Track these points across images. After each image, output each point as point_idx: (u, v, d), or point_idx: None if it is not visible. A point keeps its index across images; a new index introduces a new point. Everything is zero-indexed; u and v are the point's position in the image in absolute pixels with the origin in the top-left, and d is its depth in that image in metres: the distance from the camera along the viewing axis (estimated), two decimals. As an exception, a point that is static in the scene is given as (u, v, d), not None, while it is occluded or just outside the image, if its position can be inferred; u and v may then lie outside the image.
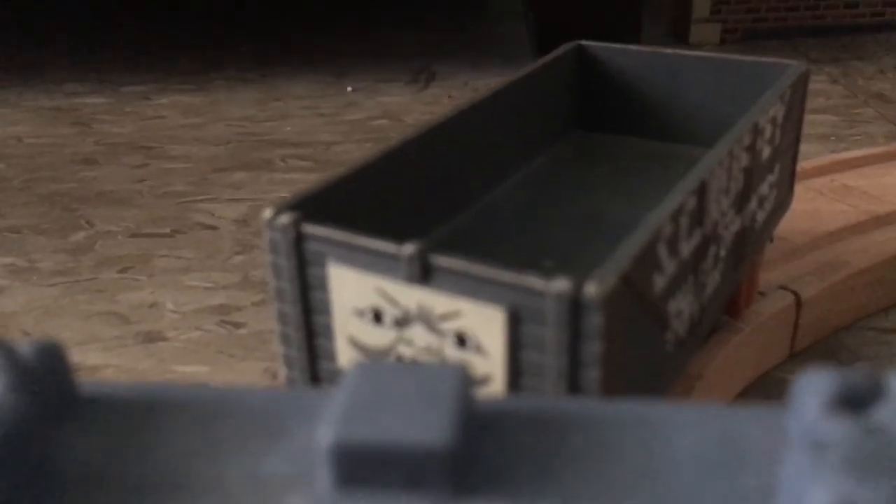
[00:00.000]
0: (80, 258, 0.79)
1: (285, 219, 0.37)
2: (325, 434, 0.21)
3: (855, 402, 0.22)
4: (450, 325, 0.35)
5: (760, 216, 0.51)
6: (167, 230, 0.84)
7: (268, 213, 0.38)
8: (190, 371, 0.63)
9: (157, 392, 0.26)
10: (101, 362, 0.64)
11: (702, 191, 0.39)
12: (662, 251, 0.36)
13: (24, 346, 0.24)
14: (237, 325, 0.68)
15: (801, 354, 0.60)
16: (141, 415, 0.25)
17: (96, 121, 1.16)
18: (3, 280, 0.75)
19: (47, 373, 0.24)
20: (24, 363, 0.24)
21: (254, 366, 0.63)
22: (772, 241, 0.63)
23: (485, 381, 0.35)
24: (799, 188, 0.71)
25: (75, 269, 0.77)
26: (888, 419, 0.21)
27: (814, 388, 0.22)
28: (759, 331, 0.55)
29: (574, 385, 0.32)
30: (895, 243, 0.65)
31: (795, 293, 0.58)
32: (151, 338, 0.67)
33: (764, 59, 0.56)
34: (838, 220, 0.66)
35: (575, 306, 0.31)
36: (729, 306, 0.53)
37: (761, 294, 0.58)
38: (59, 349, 0.25)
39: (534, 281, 0.32)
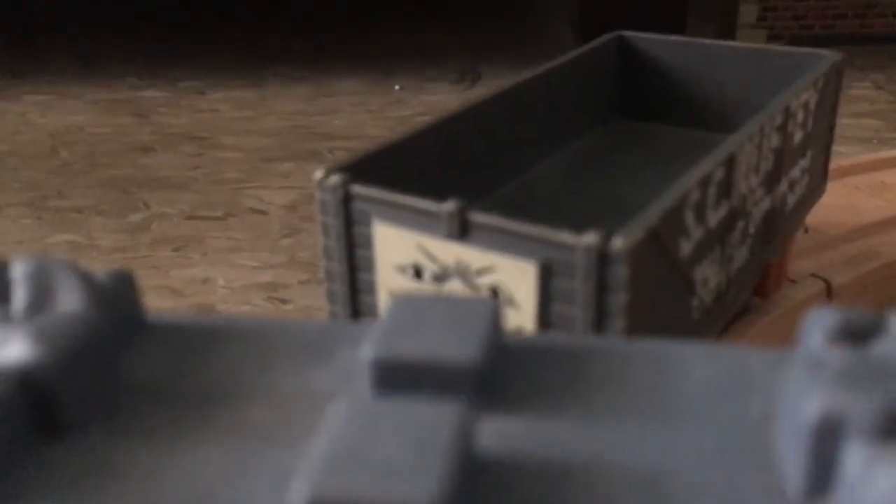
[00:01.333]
0: (138, 237, 0.83)
1: (335, 179, 0.40)
2: (366, 350, 0.23)
3: (857, 336, 0.24)
4: (485, 280, 0.37)
5: (791, 199, 0.52)
6: (219, 213, 0.88)
7: (319, 174, 0.40)
8: (238, 341, 0.66)
9: (217, 322, 0.28)
10: (156, 330, 0.68)
11: (730, 163, 0.41)
12: (689, 216, 0.38)
13: (101, 274, 0.27)
14: (284, 301, 0.71)
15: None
16: (202, 339, 0.28)
17: (154, 112, 1.21)
18: (65, 256, 0.80)
19: (120, 297, 0.27)
20: (101, 287, 0.26)
21: (299, 338, 0.66)
22: (806, 230, 0.64)
23: (517, 333, 0.37)
24: (837, 184, 0.72)
25: (132, 247, 0.81)
26: (884, 349, 0.23)
27: (819, 323, 0.24)
28: (788, 315, 0.56)
29: (601, 336, 0.34)
30: (930, 237, 0.66)
31: (826, 281, 0.59)
32: (203, 310, 0.70)
33: (798, 49, 0.57)
34: (873, 215, 0.67)
35: (603, 258, 0.33)
36: (759, 288, 0.55)
37: (793, 281, 0.59)
38: (132, 278, 0.28)
39: (564, 235, 0.34)
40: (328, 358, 0.27)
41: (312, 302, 0.70)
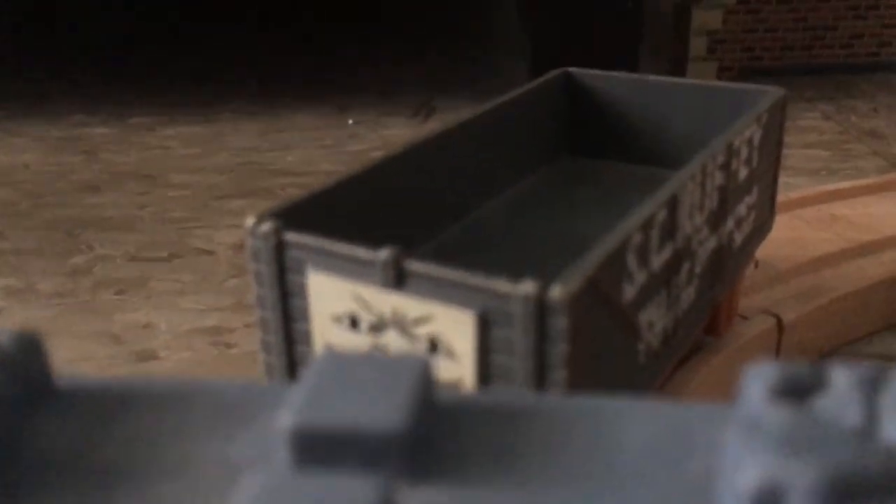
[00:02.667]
0: (79, 280, 0.80)
1: (266, 226, 0.38)
2: (284, 418, 0.22)
3: (798, 392, 0.23)
4: (422, 330, 0.35)
5: (738, 237, 0.51)
6: (165, 254, 0.86)
7: (250, 220, 0.39)
8: (180, 388, 0.64)
9: (130, 384, 0.26)
10: (94, 379, 0.65)
11: (673, 204, 0.40)
12: (632, 260, 0.37)
13: (2, 335, 0.25)
14: (228, 346, 0.69)
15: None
16: (114, 405, 0.26)
17: (102, 150, 1.18)
18: (1, 301, 0.77)
19: (24, 362, 0.25)
20: (2, 350, 0.25)
21: (244, 384, 0.64)
22: (756, 266, 0.64)
23: (455, 385, 0.36)
24: (785, 217, 0.72)
25: (73, 291, 0.78)
26: (826, 408, 0.22)
27: (759, 378, 0.23)
28: (740, 353, 0.56)
29: (542, 388, 0.33)
30: (878, 270, 0.66)
31: (777, 317, 0.59)
32: (144, 357, 0.68)
33: (743, 85, 0.57)
34: (823, 248, 0.67)
35: (541, 308, 0.32)
36: (709, 326, 0.54)
37: (743, 318, 0.58)
38: (38, 340, 0.26)
39: (501, 284, 0.33)
40: (249, 423, 0.25)
41: (258, 346, 0.68)
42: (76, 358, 0.68)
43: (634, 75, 0.62)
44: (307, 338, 0.39)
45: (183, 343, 0.69)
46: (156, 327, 0.72)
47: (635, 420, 0.24)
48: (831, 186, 0.80)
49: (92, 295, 0.78)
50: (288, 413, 0.22)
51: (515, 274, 0.49)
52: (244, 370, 0.66)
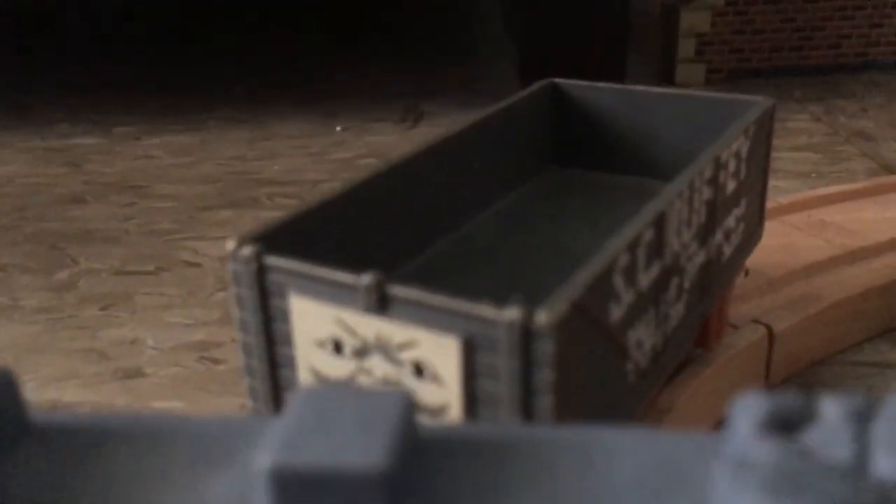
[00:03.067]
0: (64, 296, 0.79)
1: (247, 251, 0.37)
2: (262, 459, 0.21)
3: (787, 425, 0.22)
4: (407, 355, 0.35)
5: (727, 249, 0.51)
6: (151, 268, 0.85)
7: (230, 244, 0.38)
8: (166, 407, 0.63)
9: (108, 421, 0.26)
10: (79, 399, 0.64)
11: (659, 223, 0.39)
12: (619, 281, 0.36)
13: (-26, 371, 0.25)
14: (216, 362, 0.68)
15: (776, 389, 0.60)
16: (90, 443, 0.25)
17: (87, 161, 1.17)
18: (-14, 318, 0.76)
19: (-3, 400, 0.25)
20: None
21: (231, 401, 0.63)
22: (746, 274, 0.64)
23: (442, 410, 0.35)
24: (775, 223, 0.72)
25: (58, 307, 0.78)
26: (816, 442, 0.21)
27: (747, 411, 0.22)
28: (731, 364, 0.55)
29: (528, 413, 0.33)
30: (870, 277, 0.65)
31: (768, 326, 0.58)
32: (130, 374, 0.67)
33: (731, 95, 0.57)
34: (813, 255, 0.67)
35: (526, 334, 0.31)
36: (700, 339, 0.54)
37: (734, 327, 0.58)
38: (11, 377, 0.25)
39: (486, 310, 0.32)
40: (227, 463, 0.25)
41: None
42: (62, 376, 0.67)
43: (621, 86, 0.61)
44: (291, 362, 0.39)
45: (170, 359, 0.69)
46: (142, 343, 0.71)
47: (623, 453, 0.24)
48: (822, 191, 0.79)
49: (77, 310, 0.77)
50: (266, 453, 0.21)
51: (504, 290, 0.48)
52: (231, 386, 0.65)
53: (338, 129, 1.27)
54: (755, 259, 0.62)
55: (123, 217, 0.98)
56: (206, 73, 1.61)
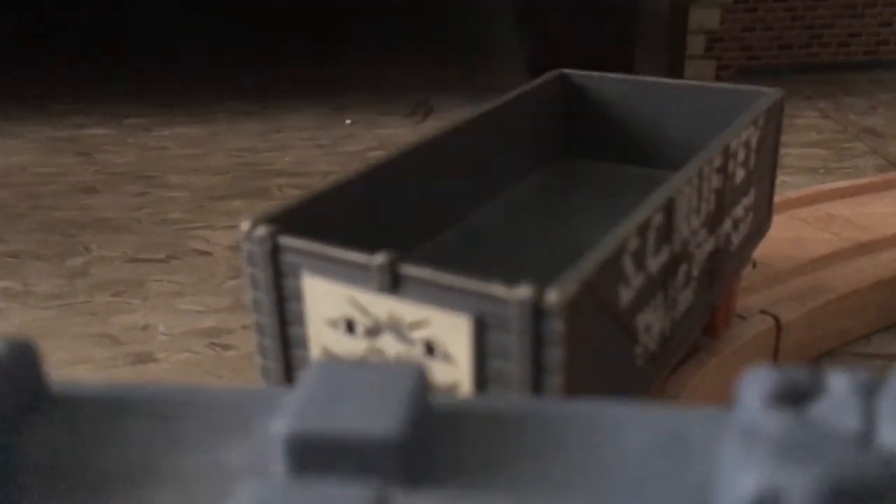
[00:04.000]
0: (76, 282, 0.80)
1: (262, 231, 0.38)
2: (279, 425, 0.22)
3: (795, 397, 0.22)
4: (419, 334, 0.35)
5: (736, 238, 0.51)
6: (162, 256, 0.86)
7: (245, 225, 0.39)
8: (178, 391, 0.63)
9: (126, 390, 0.26)
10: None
11: (669, 208, 0.40)
12: (628, 264, 0.37)
13: (-2, 343, 0.25)
14: (226, 348, 0.69)
15: (784, 379, 0.60)
16: (109, 411, 0.26)
17: (99, 151, 1.18)
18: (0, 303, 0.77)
19: (19, 369, 0.25)
20: (-4, 359, 0.24)
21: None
22: (754, 266, 0.64)
23: (452, 388, 0.35)
24: (784, 217, 0.72)
25: (70, 293, 0.78)
26: (823, 413, 0.22)
27: (756, 384, 0.23)
28: (738, 353, 0.56)
29: (538, 392, 0.33)
30: (877, 270, 0.66)
31: (775, 317, 0.59)
32: (142, 359, 0.68)
33: (741, 86, 0.57)
34: (821, 248, 0.67)
35: (537, 313, 0.32)
36: (707, 328, 0.54)
37: (742, 318, 0.58)
38: (32, 347, 0.26)
39: (497, 288, 0.32)
40: (243, 430, 0.25)
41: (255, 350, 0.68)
42: (74, 360, 0.68)
43: (630, 76, 0.62)
44: (303, 342, 0.39)
45: (181, 345, 0.69)
46: (153, 329, 0.72)
47: (633, 426, 0.24)
48: (829, 185, 0.80)
49: (89, 296, 0.78)
50: (283, 420, 0.22)
51: (512, 277, 0.49)
52: (242, 372, 0.66)
53: (347, 121, 1.28)
54: (763, 252, 0.62)
55: (135, 206, 0.99)
56: (217, 65, 1.62)
